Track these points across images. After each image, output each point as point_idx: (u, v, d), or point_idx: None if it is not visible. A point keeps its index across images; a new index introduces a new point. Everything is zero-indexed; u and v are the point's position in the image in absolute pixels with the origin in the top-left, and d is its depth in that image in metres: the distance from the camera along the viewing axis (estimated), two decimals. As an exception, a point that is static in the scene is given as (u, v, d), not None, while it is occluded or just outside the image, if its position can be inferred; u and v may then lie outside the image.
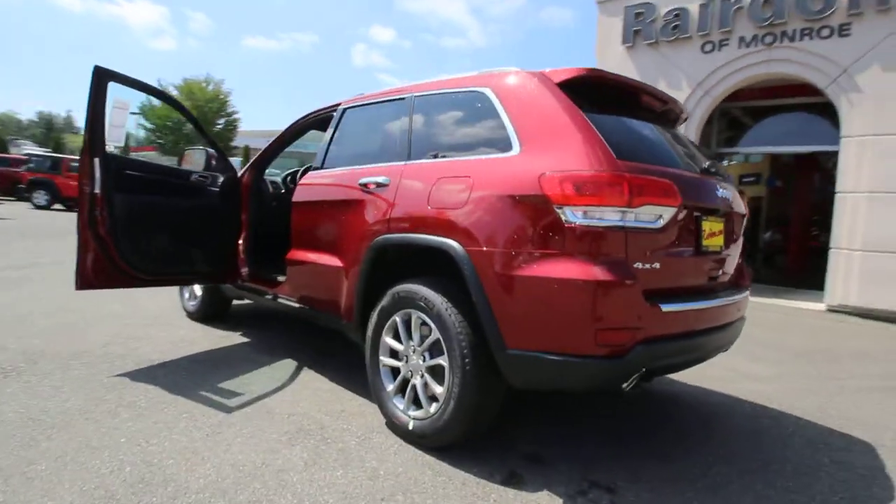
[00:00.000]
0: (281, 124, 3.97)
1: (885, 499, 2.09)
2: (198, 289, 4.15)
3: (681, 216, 2.05)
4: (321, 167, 3.04)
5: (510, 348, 1.95)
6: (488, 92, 2.29)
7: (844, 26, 6.24)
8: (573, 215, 1.86)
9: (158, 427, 2.29)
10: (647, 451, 2.38)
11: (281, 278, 3.44)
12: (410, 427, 2.26)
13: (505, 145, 2.13)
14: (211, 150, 3.62)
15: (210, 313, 4.14)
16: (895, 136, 6.29)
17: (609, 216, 1.85)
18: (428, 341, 2.22)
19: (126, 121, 3.75)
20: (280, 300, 3.28)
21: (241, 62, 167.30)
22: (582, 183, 1.86)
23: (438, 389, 2.17)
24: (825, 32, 6.38)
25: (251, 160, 3.86)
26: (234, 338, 3.79)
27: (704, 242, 2.22)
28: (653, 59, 7.86)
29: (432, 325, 2.18)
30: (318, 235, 2.90)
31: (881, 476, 2.28)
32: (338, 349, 3.60)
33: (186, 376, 2.93)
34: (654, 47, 7.85)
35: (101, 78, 2.82)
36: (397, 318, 2.35)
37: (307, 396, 2.76)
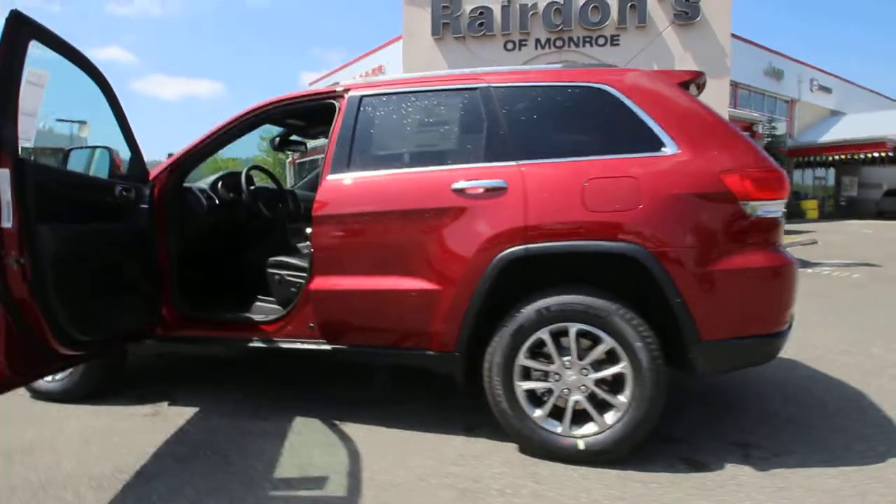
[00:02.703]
0: None
1: None
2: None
3: None
4: (347, 169, 2.42)
5: (705, 340, 2.02)
6: (610, 90, 2.21)
7: (615, 37, 7.86)
8: (755, 209, 2.02)
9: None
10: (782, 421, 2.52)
11: (259, 317, 2.65)
12: (581, 447, 2.10)
13: (654, 144, 2.12)
14: (114, 150, 2.47)
15: (101, 383, 2.83)
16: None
17: (776, 208, 2.08)
18: (597, 352, 2.10)
19: (40, 105, 2.03)
20: (281, 345, 2.53)
21: None
22: (761, 179, 2.03)
23: (620, 398, 2.08)
24: (601, 41, 7.93)
25: (166, 163, 2.76)
26: (180, 414, 2.70)
27: None
28: (461, 53, 8.41)
29: (602, 335, 2.07)
30: (377, 256, 2.33)
31: None
32: (325, 390, 2.96)
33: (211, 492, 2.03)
34: (462, 41, 8.41)
35: (20, 31, 1.65)
36: (543, 336, 2.13)
37: (402, 454, 2.24)
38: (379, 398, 2.83)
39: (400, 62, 15.73)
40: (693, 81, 2.34)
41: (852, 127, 23.74)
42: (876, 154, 22.25)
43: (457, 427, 2.47)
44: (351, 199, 2.36)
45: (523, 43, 8.25)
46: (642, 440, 2.10)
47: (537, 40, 8.19)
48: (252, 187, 3.02)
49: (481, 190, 2.19)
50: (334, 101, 2.56)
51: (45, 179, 1.87)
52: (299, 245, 3.31)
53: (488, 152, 2.27)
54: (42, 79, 1.86)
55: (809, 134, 24.86)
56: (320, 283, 2.39)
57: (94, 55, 2.18)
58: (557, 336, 2.14)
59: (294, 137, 3.50)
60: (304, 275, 2.70)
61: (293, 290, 2.72)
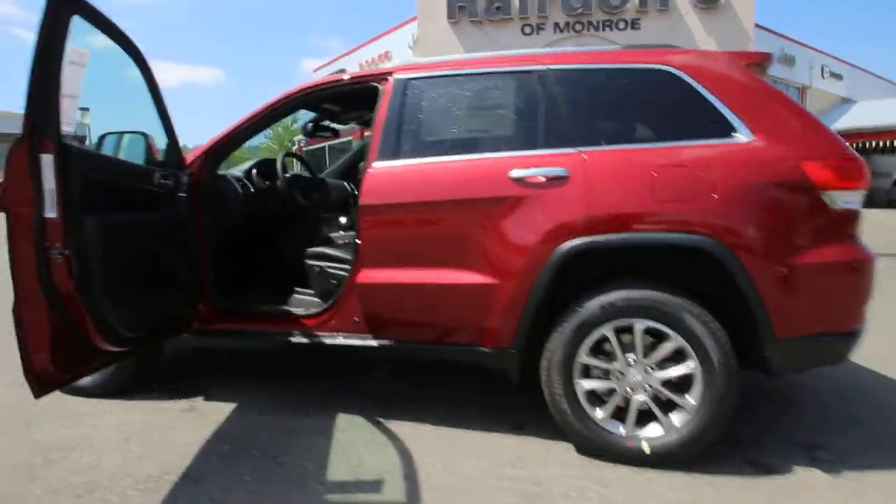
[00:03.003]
0: None
1: None
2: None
3: None
4: (395, 156, 2.30)
5: (779, 337, 1.93)
6: (676, 72, 2.09)
7: (636, 21, 7.68)
8: (834, 199, 1.90)
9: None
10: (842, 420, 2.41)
11: (299, 310, 2.55)
12: (646, 449, 2.01)
13: (725, 130, 2.00)
14: (150, 135, 2.35)
15: (135, 378, 2.74)
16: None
17: (855, 198, 1.96)
18: (663, 350, 2.00)
19: (80, 86, 1.93)
20: (324, 339, 2.43)
21: None
22: (842, 167, 1.91)
23: (688, 399, 1.99)
24: (622, 25, 7.74)
25: (201, 149, 2.64)
26: (216, 409, 2.62)
27: None
28: (477, 37, 8.23)
29: (670, 332, 1.97)
30: (429, 248, 2.22)
31: None
32: (357, 384, 2.87)
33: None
34: (479, 25, 8.22)
35: (62, 6, 1.52)
36: (607, 332, 2.03)
37: (454, 454, 2.15)
38: (417, 394, 2.74)
39: (407, 48, 15.55)
40: (760, 64, 2.21)
41: (863, 115, 23.37)
42: (886, 142, 22.01)
43: (505, 425, 2.38)
44: (400, 187, 2.25)
45: (541, 27, 8.06)
46: (711, 443, 2.01)
47: (556, 24, 8.00)
48: (287, 175, 2.91)
49: (542, 178, 2.07)
50: (377, 85, 2.44)
51: (90, 167, 1.76)
52: (332, 235, 3.20)
53: (546, 138, 2.15)
54: (84, 58, 1.75)
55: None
56: (368, 275, 2.28)
57: (90, 42, 2.02)
58: (620, 333, 2.04)
59: (325, 123, 3.37)
60: (346, 266, 2.61)
61: (333, 282, 2.62)
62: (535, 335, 2.12)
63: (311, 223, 3.19)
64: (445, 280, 2.18)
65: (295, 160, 3.49)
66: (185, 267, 2.37)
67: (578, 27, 8.12)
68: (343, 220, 3.33)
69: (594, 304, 2.02)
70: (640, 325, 2.00)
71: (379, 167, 2.28)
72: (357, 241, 2.34)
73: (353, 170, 3.99)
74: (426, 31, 8.17)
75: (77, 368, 1.80)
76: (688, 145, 2.01)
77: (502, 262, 2.11)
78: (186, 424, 2.43)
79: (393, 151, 2.29)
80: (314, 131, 3.28)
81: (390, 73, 2.41)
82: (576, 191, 2.03)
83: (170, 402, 2.67)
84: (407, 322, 2.32)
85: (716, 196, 1.91)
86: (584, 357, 2.07)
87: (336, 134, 3.51)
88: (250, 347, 3.11)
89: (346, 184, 3.77)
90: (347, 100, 3.00)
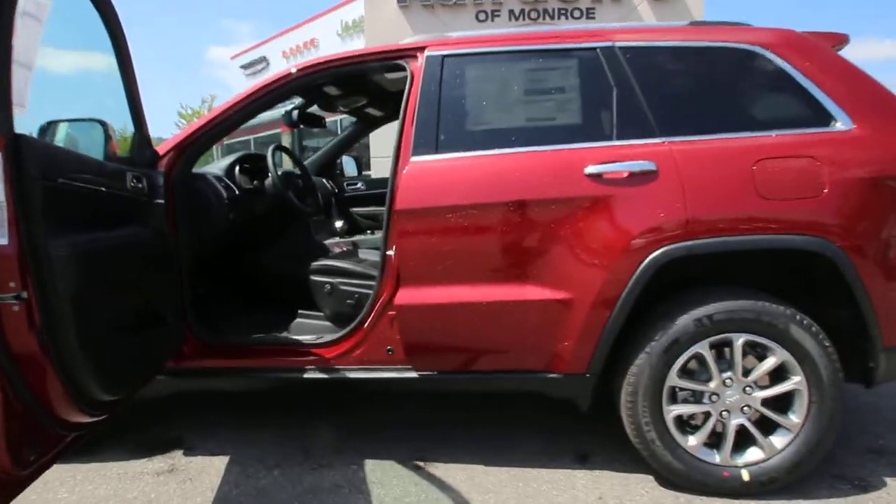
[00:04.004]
0: None
1: None
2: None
3: None
4: (436, 150, 1.90)
5: (886, 346, 1.76)
6: (764, 51, 1.85)
7: (591, 10, 7.60)
8: None
9: None
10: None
11: (309, 338, 2.12)
12: (746, 477, 1.79)
13: (824, 118, 1.78)
14: (108, 124, 1.79)
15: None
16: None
17: None
18: (764, 367, 1.77)
19: (37, 52, 1.28)
20: (347, 374, 2.01)
21: None
22: None
23: (791, 418, 1.77)
24: (577, 13, 7.64)
25: (171, 142, 2.09)
26: (204, 467, 2.10)
27: None
28: (429, 22, 7.83)
29: (773, 346, 1.74)
30: (486, 259, 1.85)
31: None
32: (368, 415, 2.45)
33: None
34: (430, 10, 7.82)
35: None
36: (701, 350, 1.77)
37: (527, 497, 1.82)
38: (451, 425, 2.36)
39: (335, 36, 14.71)
40: (840, 46, 2.02)
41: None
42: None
43: (566, 456, 2.08)
44: (448, 187, 1.85)
45: (496, 13, 7.81)
46: (816, 464, 1.82)
47: (511, 11, 7.78)
48: (280, 173, 2.40)
49: (625, 174, 1.76)
50: (403, 63, 2.02)
51: (56, 169, 1.22)
52: (327, 242, 2.73)
53: (622, 127, 1.84)
54: (42, 9, 1.20)
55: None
56: (407, 295, 1.88)
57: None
58: (719, 351, 1.80)
59: (312, 112, 2.86)
60: (363, 282, 2.18)
61: (349, 301, 2.19)
62: (614, 357, 1.83)
63: (303, 230, 2.70)
64: (506, 297, 1.83)
65: (286, 153, 2.96)
66: (169, 294, 1.84)
67: (534, 15, 7.95)
68: (339, 224, 2.86)
69: (687, 320, 1.75)
70: (739, 339, 1.75)
71: (418, 163, 1.88)
72: (388, 252, 1.94)
73: (329, 166, 3.51)
74: (373, 16, 7.64)
75: (44, 455, 1.27)
76: (785, 135, 1.78)
77: (578, 273, 1.79)
78: (171, 493, 1.91)
79: (432, 144, 1.89)
80: (301, 121, 2.76)
81: (421, 49, 2.00)
82: (667, 187, 1.74)
83: (142, 463, 2.12)
84: (457, 349, 1.94)
85: (826, 192, 1.69)
86: (675, 379, 1.80)
87: (322, 124, 3.01)
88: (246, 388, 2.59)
89: (325, 181, 3.28)
90: (353, 82, 2.54)
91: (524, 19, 7.89)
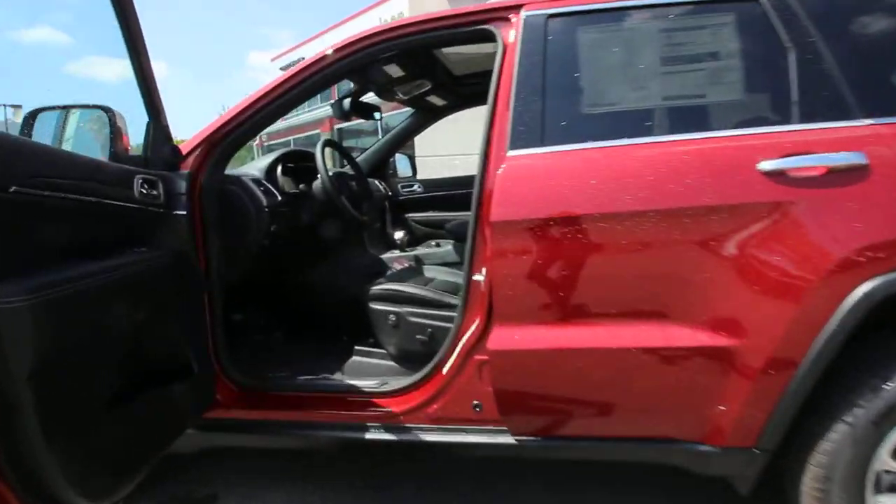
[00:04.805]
0: None
1: None
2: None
3: None
4: (542, 142, 1.43)
5: None
6: None
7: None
8: None
9: None
10: None
11: (370, 383, 1.68)
12: None
13: None
14: (116, 112, 1.39)
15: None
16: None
17: None
18: None
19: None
20: (421, 435, 1.56)
21: None
22: None
23: None
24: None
25: (198, 138, 1.68)
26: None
27: None
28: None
29: None
30: (617, 290, 1.36)
31: None
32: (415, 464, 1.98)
33: None
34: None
35: None
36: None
37: None
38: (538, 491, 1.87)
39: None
40: None
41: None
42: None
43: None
44: (560, 191, 1.37)
45: None
46: None
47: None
48: (331, 174, 1.96)
49: (821, 171, 1.24)
50: (492, 28, 1.55)
51: (8, 169, 0.81)
52: (384, 257, 2.29)
53: (807, 105, 1.32)
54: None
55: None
56: (506, 336, 1.41)
57: (21, 37, 1.09)
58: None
59: (367, 99, 2.41)
60: (438, 312, 1.73)
61: (420, 337, 1.74)
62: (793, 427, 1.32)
63: (358, 243, 2.26)
64: (647, 343, 1.34)
65: (336, 150, 2.53)
66: (192, 336, 1.43)
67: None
68: (398, 235, 2.41)
69: (907, 378, 1.22)
70: None
71: (519, 159, 1.40)
72: (476, 277, 1.48)
73: (381, 166, 3.08)
74: (420, 7, 7.19)
75: None
76: None
77: (748, 312, 1.28)
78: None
79: (538, 133, 1.42)
80: (353, 111, 2.31)
81: (516, 8, 1.52)
82: (884, 188, 1.22)
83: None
84: (571, 408, 1.46)
85: None
86: (886, 461, 1.27)
87: (374, 115, 2.56)
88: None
89: (378, 182, 2.84)
90: (421, 59, 2.08)
91: None
